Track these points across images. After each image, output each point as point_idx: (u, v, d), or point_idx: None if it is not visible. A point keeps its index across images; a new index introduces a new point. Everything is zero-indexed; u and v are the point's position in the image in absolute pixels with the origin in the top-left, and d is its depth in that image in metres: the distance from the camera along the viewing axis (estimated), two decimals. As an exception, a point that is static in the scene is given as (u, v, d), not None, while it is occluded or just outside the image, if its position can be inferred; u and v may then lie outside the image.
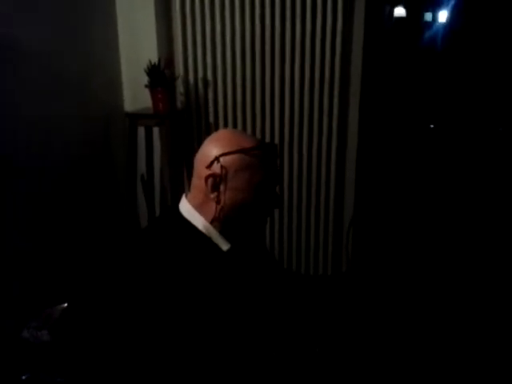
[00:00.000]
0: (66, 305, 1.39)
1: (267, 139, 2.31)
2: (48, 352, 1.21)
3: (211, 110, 2.30)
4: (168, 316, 0.91)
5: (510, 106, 4.73)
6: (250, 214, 1.03)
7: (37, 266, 1.72)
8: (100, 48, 2.12)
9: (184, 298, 0.92)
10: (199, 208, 1.02)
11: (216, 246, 1.03)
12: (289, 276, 1.49)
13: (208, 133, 2.32)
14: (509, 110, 4.73)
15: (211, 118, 2.31)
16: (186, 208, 1.04)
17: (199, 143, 1.04)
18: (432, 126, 5.14)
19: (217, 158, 0.97)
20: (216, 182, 0.98)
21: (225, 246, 1.03)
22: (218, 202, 0.99)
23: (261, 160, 1.00)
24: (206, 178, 0.98)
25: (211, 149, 0.99)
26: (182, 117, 2.30)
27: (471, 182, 3.98)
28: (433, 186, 4.01)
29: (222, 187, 0.98)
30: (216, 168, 0.97)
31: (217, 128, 2.32)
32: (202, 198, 1.01)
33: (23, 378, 1.17)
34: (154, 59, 2.10)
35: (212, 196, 0.99)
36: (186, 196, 1.05)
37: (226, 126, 2.31)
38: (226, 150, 0.98)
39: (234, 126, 2.30)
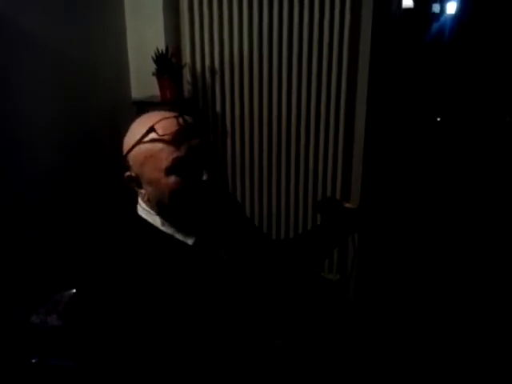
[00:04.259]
0: (74, 290, 1.39)
1: (274, 130, 2.30)
2: (58, 336, 1.22)
3: (218, 98, 2.29)
4: (154, 314, 0.89)
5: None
6: (181, 199, 0.92)
7: (44, 253, 1.73)
8: (107, 36, 2.11)
9: (164, 299, 0.89)
10: (151, 207, 0.97)
11: (181, 242, 0.97)
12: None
13: (215, 121, 2.31)
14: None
15: (218, 107, 2.30)
16: (142, 208, 0.99)
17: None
18: (439, 119, 5.11)
19: (124, 159, 0.94)
20: (135, 181, 0.95)
21: (190, 240, 0.97)
22: (149, 200, 0.95)
23: (161, 142, 0.88)
24: (127, 181, 0.96)
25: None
26: (189, 105, 2.29)
27: (479, 174, 3.96)
28: (440, 178, 3.99)
29: (143, 184, 0.94)
30: (130, 168, 0.94)
31: (223, 116, 2.31)
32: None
33: (33, 361, 1.19)
34: (162, 47, 2.09)
35: (143, 194, 0.95)
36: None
37: (232, 114, 2.30)
38: (126, 148, 0.94)
39: (241, 115, 2.29)
